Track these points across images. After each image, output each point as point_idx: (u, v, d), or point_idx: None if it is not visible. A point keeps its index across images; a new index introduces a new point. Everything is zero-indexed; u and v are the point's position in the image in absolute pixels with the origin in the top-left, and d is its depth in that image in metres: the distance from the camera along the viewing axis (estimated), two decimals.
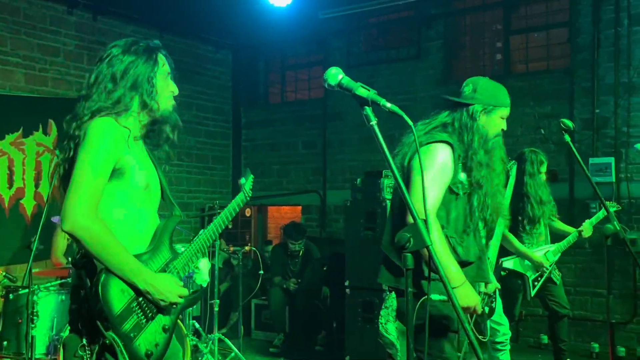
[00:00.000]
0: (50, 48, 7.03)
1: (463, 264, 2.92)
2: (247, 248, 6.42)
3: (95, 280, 2.23)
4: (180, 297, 2.39)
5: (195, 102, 8.69)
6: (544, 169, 4.97)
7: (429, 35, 7.81)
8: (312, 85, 9.14)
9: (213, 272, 5.73)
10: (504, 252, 4.83)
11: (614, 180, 6.40)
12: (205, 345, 5.61)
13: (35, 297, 4.52)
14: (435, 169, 2.87)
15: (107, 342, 2.21)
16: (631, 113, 6.49)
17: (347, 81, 2.06)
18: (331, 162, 8.50)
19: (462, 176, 2.95)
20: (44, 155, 6.75)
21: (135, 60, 2.40)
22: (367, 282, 5.68)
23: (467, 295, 2.87)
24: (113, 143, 2.28)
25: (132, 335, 2.26)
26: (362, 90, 2.03)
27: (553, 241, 5.16)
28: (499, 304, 4.30)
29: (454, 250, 2.90)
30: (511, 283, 4.95)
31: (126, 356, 2.22)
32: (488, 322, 4.24)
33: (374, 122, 1.99)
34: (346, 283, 6.01)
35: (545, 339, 6.64)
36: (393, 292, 3.13)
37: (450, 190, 2.93)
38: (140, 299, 2.30)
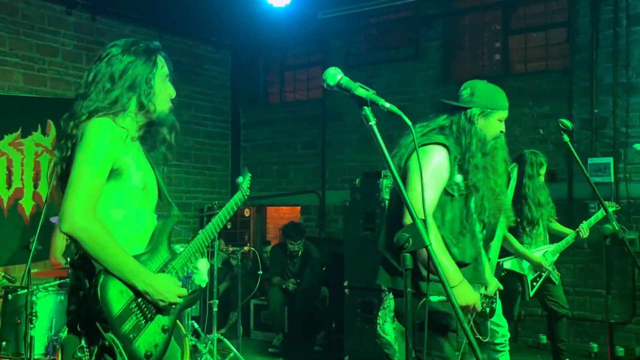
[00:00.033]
0: (48, 48, 7.03)
1: (459, 265, 2.93)
2: (246, 248, 6.42)
3: (94, 281, 2.22)
4: (179, 297, 2.38)
5: (194, 103, 8.69)
6: (543, 170, 4.97)
7: (428, 36, 7.81)
8: (311, 86, 9.14)
9: (212, 272, 5.73)
10: (502, 252, 4.82)
11: (612, 180, 6.40)
12: (204, 345, 5.61)
13: (34, 298, 4.52)
14: (431, 170, 2.88)
15: (107, 343, 2.20)
16: (630, 113, 6.49)
17: (346, 81, 2.06)
18: (330, 163, 8.50)
19: (458, 178, 2.97)
20: (43, 155, 6.75)
21: (135, 60, 2.39)
22: (366, 282, 5.68)
23: (465, 294, 2.88)
24: (111, 143, 2.27)
25: (131, 336, 2.25)
26: (361, 91, 2.03)
27: (552, 242, 5.16)
28: (499, 306, 4.31)
29: (449, 251, 2.91)
30: (510, 283, 4.94)
31: (125, 357, 2.21)
32: (488, 322, 4.25)
33: (373, 122, 2.00)
34: (345, 283, 6.01)
35: (544, 339, 6.64)
36: (391, 293, 3.14)
37: (445, 191, 2.94)
38: (139, 299, 2.30)
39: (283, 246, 7.35)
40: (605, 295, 6.15)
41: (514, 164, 4.26)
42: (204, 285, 5.57)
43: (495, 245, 4.24)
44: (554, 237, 5.20)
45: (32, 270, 4.57)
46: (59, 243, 5.46)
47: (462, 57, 8.01)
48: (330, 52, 8.51)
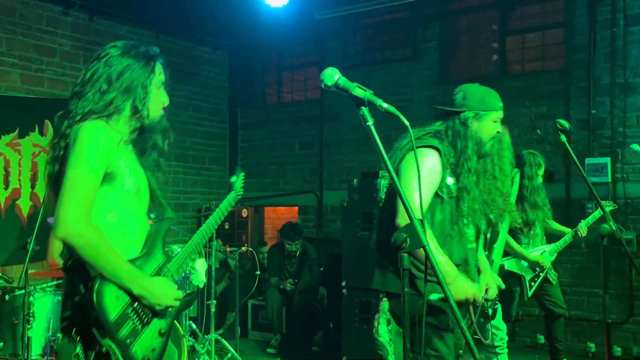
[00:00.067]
0: (46, 48, 7.02)
1: None
2: (243, 249, 6.42)
3: (89, 287, 2.20)
4: (176, 300, 2.37)
5: (192, 103, 8.68)
6: (541, 171, 4.98)
7: (425, 36, 7.82)
8: (308, 86, 9.14)
9: (210, 272, 5.72)
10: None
11: (610, 180, 6.42)
12: (202, 346, 5.61)
13: (31, 298, 4.51)
14: (422, 172, 2.89)
15: (103, 349, 2.18)
16: (627, 113, 6.51)
17: (343, 81, 2.06)
18: (328, 163, 8.50)
19: (450, 181, 3.00)
20: (40, 156, 6.74)
21: (133, 64, 2.38)
22: (364, 282, 5.65)
23: (463, 287, 2.92)
24: (105, 147, 2.25)
25: (128, 341, 2.23)
26: (358, 91, 2.03)
27: (550, 241, 5.17)
28: (499, 309, 4.32)
29: None
30: (508, 284, 4.94)
31: None
32: (493, 323, 4.26)
33: (370, 122, 2.00)
34: (343, 283, 6.01)
35: (541, 339, 6.65)
36: (384, 296, 3.16)
37: (435, 193, 2.98)
38: (136, 304, 2.28)
39: (281, 246, 7.35)
40: (602, 295, 6.13)
41: (516, 169, 4.29)
42: (201, 286, 5.59)
43: (499, 247, 4.26)
44: (552, 237, 5.21)
45: (29, 271, 4.57)
46: (57, 244, 5.44)
47: (459, 57, 8.01)
48: (327, 53, 8.51)
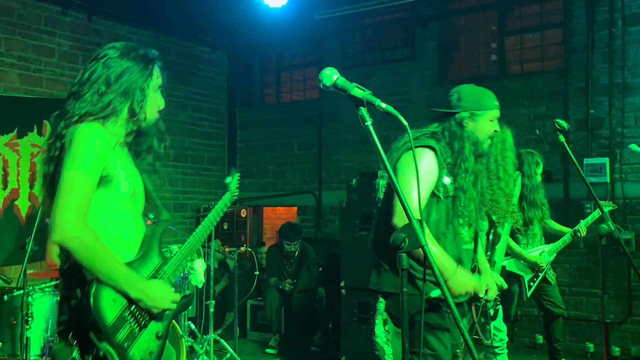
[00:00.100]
0: (44, 49, 7.02)
1: None
2: (242, 249, 6.42)
3: (86, 290, 2.18)
4: (173, 303, 2.35)
5: (191, 103, 8.68)
6: (540, 170, 4.98)
7: (424, 36, 7.82)
8: (307, 86, 9.14)
9: (208, 273, 5.73)
10: None
11: (608, 180, 6.42)
12: (200, 346, 5.61)
13: (30, 299, 4.52)
14: (419, 172, 2.91)
15: (101, 353, 2.17)
16: (625, 114, 6.51)
17: (342, 82, 2.06)
18: (327, 163, 8.50)
19: (447, 180, 3.03)
20: (39, 156, 6.66)
21: (132, 67, 2.37)
22: (362, 282, 5.62)
23: (462, 281, 2.94)
24: (100, 150, 2.24)
25: (125, 345, 2.22)
26: (357, 91, 2.03)
27: (548, 241, 5.17)
28: (500, 309, 4.34)
29: None
30: (507, 284, 4.95)
31: None
32: (492, 324, 4.27)
33: (369, 122, 2.00)
34: (342, 284, 6.01)
35: (540, 339, 6.65)
36: (380, 296, 3.18)
37: (432, 193, 3.00)
38: (133, 307, 2.26)
39: (280, 247, 7.35)
40: (601, 295, 6.18)
41: (518, 171, 4.30)
42: (200, 286, 5.59)
43: (501, 248, 4.27)
44: (551, 237, 5.21)
45: (28, 271, 4.58)
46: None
47: (458, 58, 8.02)
48: (326, 53, 8.51)
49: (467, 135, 3.08)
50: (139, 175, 2.45)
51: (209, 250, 5.82)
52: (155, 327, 2.35)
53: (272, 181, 8.97)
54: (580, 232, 5.13)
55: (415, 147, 2.97)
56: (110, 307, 2.20)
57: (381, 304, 3.17)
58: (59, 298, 2.37)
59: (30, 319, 4.47)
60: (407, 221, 1.96)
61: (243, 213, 8.62)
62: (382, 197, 5.71)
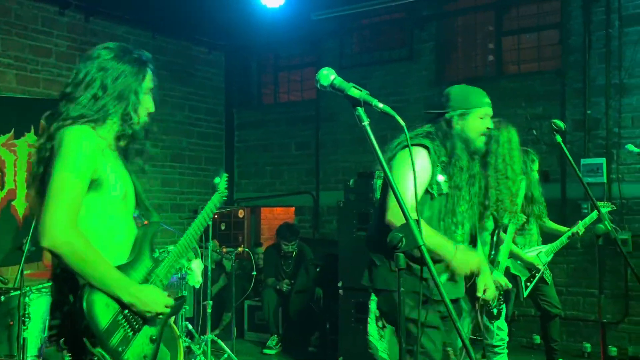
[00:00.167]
0: (42, 49, 7.01)
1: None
2: (240, 249, 6.42)
3: (79, 295, 2.16)
4: (167, 307, 2.33)
5: (188, 104, 8.68)
6: (536, 167, 4.99)
7: (422, 37, 7.83)
8: (305, 86, 9.14)
9: (206, 273, 5.72)
10: None
11: (605, 180, 6.43)
12: (198, 346, 5.61)
13: (27, 299, 4.51)
14: (410, 170, 2.93)
15: (96, 359, 2.15)
16: (622, 114, 6.53)
17: (339, 82, 2.07)
18: (324, 163, 8.50)
19: (440, 178, 3.07)
20: None
21: (126, 70, 2.35)
22: (360, 283, 5.67)
23: (464, 261, 2.99)
24: (90, 152, 2.21)
25: (120, 349, 2.20)
26: (354, 91, 2.03)
27: (545, 241, 5.18)
28: (504, 308, 4.35)
29: None
30: None
31: None
32: (496, 323, 4.28)
33: (366, 122, 2.01)
34: (339, 284, 6.01)
35: (537, 339, 6.66)
36: (372, 293, 3.21)
37: (425, 190, 3.05)
38: (126, 311, 2.24)
39: (277, 247, 7.35)
40: (598, 295, 6.19)
41: (523, 175, 4.33)
42: (197, 287, 5.58)
43: (505, 248, 4.28)
44: (549, 236, 5.22)
45: (25, 272, 4.57)
46: None
47: (455, 58, 8.03)
48: (323, 53, 8.52)
49: (457, 134, 3.14)
50: (129, 177, 2.43)
51: (206, 251, 5.81)
52: (149, 331, 2.33)
53: (270, 181, 8.97)
54: (578, 234, 5.14)
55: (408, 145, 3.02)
56: (103, 311, 2.18)
57: (373, 302, 3.20)
58: (50, 302, 2.35)
59: (27, 319, 4.46)
60: (400, 217, 1.97)
61: (240, 213, 8.62)
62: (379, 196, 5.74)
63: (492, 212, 4.02)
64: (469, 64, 7.94)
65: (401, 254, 1.98)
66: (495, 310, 4.23)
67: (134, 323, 2.28)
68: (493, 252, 4.33)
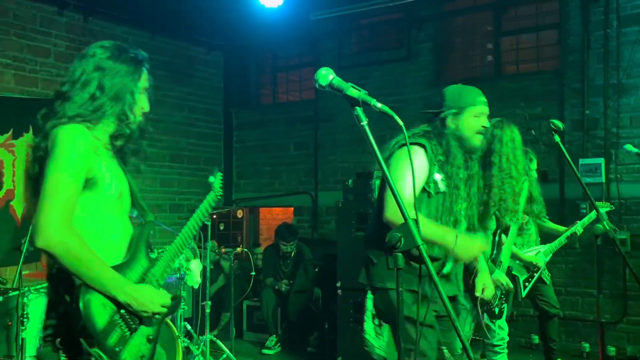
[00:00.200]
0: (40, 49, 7.01)
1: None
2: (239, 249, 6.42)
3: (75, 296, 2.14)
4: (163, 306, 2.32)
5: (187, 104, 8.67)
6: (534, 166, 4.99)
7: (420, 37, 7.83)
8: (303, 87, 9.15)
9: (204, 273, 5.72)
10: None
11: (604, 180, 6.44)
12: (197, 347, 5.60)
13: (25, 299, 4.51)
14: (408, 168, 2.95)
15: (93, 359, 2.14)
16: (620, 114, 6.53)
17: (337, 81, 2.07)
18: (323, 164, 8.50)
19: (438, 177, 3.09)
20: None
21: (123, 70, 2.34)
22: (359, 283, 5.67)
23: (466, 247, 3.00)
24: (84, 152, 2.20)
25: (117, 349, 2.19)
26: (352, 91, 2.04)
27: (544, 241, 5.18)
28: (506, 308, 4.36)
29: None
30: None
31: None
32: (497, 322, 4.28)
33: (364, 122, 2.01)
34: (338, 284, 6.02)
35: (536, 339, 6.66)
36: (369, 291, 3.22)
37: (422, 189, 3.07)
38: (123, 311, 2.23)
39: (276, 247, 7.35)
40: (596, 295, 6.20)
41: (526, 177, 4.33)
42: (196, 287, 5.58)
43: (507, 248, 4.28)
44: (547, 236, 5.22)
45: (23, 272, 4.57)
46: None
47: (454, 58, 8.03)
48: (322, 53, 8.52)
49: (451, 132, 3.17)
50: (124, 176, 2.42)
51: (205, 251, 5.81)
52: (146, 330, 2.32)
53: (269, 182, 8.97)
54: (576, 234, 5.15)
55: (405, 144, 3.03)
56: (100, 312, 2.17)
57: (369, 299, 3.21)
58: (46, 303, 2.34)
59: (25, 319, 4.46)
60: (398, 214, 1.98)
61: (239, 214, 8.61)
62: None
63: (494, 211, 4.03)
64: (467, 64, 7.94)
65: (399, 254, 1.98)
66: (496, 309, 4.23)
67: (131, 323, 2.27)
68: (495, 252, 4.34)
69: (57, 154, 2.17)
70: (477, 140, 3.22)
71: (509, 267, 4.80)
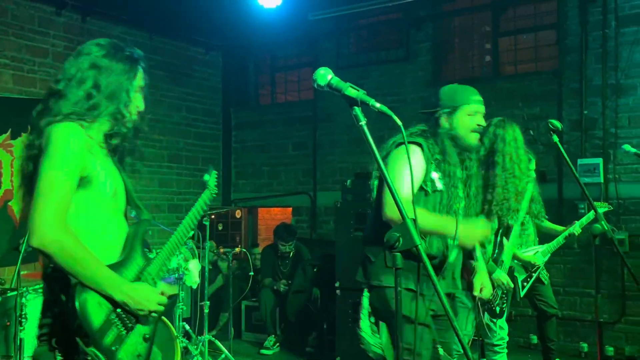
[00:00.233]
0: (38, 49, 7.00)
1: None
2: (237, 250, 6.42)
3: (71, 294, 2.13)
4: (160, 304, 2.31)
5: (185, 104, 8.67)
6: (532, 166, 4.99)
7: (418, 37, 7.84)
8: (302, 87, 9.15)
9: (203, 273, 5.72)
10: None
11: (602, 180, 6.44)
12: (195, 347, 5.60)
13: (23, 300, 4.51)
14: (405, 167, 2.95)
15: (89, 358, 2.13)
16: (619, 114, 6.54)
17: (336, 81, 2.07)
18: (321, 164, 8.51)
19: (435, 175, 3.11)
20: None
21: (117, 68, 2.33)
22: (357, 283, 5.66)
23: (469, 232, 3.03)
24: (79, 150, 2.18)
25: (113, 348, 2.18)
26: (351, 91, 2.04)
27: (542, 241, 5.18)
28: (506, 307, 4.36)
29: None
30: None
31: None
32: (498, 322, 4.29)
33: (363, 122, 2.01)
34: (336, 284, 6.02)
35: (535, 339, 6.66)
36: (365, 289, 3.23)
37: (420, 187, 3.09)
38: (119, 310, 2.22)
39: (274, 247, 7.35)
40: (594, 295, 6.19)
41: (529, 177, 4.34)
42: (195, 287, 5.58)
43: (509, 248, 4.29)
44: (546, 236, 5.22)
45: (22, 272, 4.56)
46: None
47: (452, 58, 8.04)
48: (320, 54, 8.52)
49: (445, 132, 3.19)
50: (119, 174, 2.40)
51: (204, 252, 5.81)
52: (142, 329, 2.31)
53: (267, 182, 8.97)
54: (574, 234, 5.15)
55: (402, 143, 3.07)
56: (96, 311, 2.15)
57: (365, 297, 3.21)
58: (42, 302, 2.32)
59: (24, 320, 4.46)
60: (397, 211, 1.98)
61: (238, 214, 8.61)
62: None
63: (497, 211, 4.04)
64: (465, 64, 7.95)
65: (398, 254, 1.98)
66: (497, 309, 4.24)
67: (127, 322, 2.26)
68: (496, 251, 4.34)
69: (51, 152, 2.16)
70: (472, 139, 3.22)
71: (511, 267, 4.81)
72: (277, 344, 6.94)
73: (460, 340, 1.96)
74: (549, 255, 5.14)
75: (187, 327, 5.78)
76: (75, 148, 2.18)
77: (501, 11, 7.59)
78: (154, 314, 2.33)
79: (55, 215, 2.11)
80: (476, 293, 3.48)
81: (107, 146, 2.36)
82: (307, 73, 8.96)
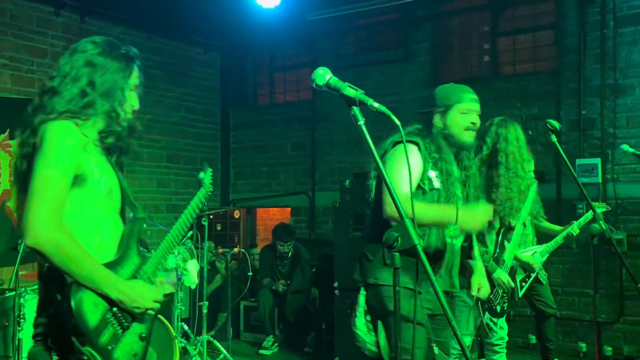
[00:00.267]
0: (37, 49, 7.00)
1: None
2: (236, 250, 6.42)
3: (66, 294, 2.12)
4: (155, 302, 2.29)
5: (184, 104, 8.67)
6: (531, 167, 5.00)
7: (417, 38, 7.84)
8: (300, 87, 9.15)
9: (202, 273, 5.72)
10: None
11: (600, 181, 6.45)
12: (194, 347, 5.60)
13: (22, 300, 4.50)
14: (401, 166, 2.99)
15: (85, 357, 2.12)
16: (617, 114, 6.55)
17: (335, 81, 2.07)
18: (320, 164, 8.51)
19: (432, 174, 3.11)
20: None
21: (113, 66, 2.32)
22: (356, 283, 5.67)
23: (470, 218, 3.03)
24: (74, 148, 2.17)
25: (110, 347, 2.17)
26: (349, 90, 2.04)
27: (540, 241, 5.19)
28: (506, 307, 4.37)
29: None
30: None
31: None
32: (498, 322, 4.29)
33: (361, 122, 2.01)
34: (335, 284, 6.02)
35: (533, 339, 6.67)
36: (362, 288, 3.24)
37: (417, 185, 3.10)
38: (115, 309, 2.21)
39: (273, 247, 7.35)
40: (593, 295, 6.19)
41: (534, 180, 4.35)
42: (193, 287, 5.58)
43: (511, 248, 4.29)
44: (544, 236, 5.23)
45: (20, 273, 4.56)
46: None
47: (451, 59, 8.04)
48: (319, 54, 8.52)
49: (438, 131, 3.21)
50: (114, 172, 2.39)
51: (202, 252, 5.81)
52: (138, 328, 2.30)
53: (266, 182, 8.97)
54: (572, 234, 5.15)
55: (399, 142, 3.08)
56: (92, 310, 2.14)
57: (362, 296, 3.22)
58: (37, 301, 2.32)
59: (22, 320, 4.45)
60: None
61: (236, 214, 8.61)
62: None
63: (500, 210, 4.05)
64: (464, 64, 7.95)
65: (397, 253, 1.99)
66: (498, 308, 4.24)
67: (123, 321, 2.25)
68: (498, 251, 4.34)
69: (45, 150, 2.15)
70: (467, 137, 3.22)
71: (512, 268, 4.81)
72: (276, 344, 6.94)
73: (458, 340, 1.96)
74: (547, 255, 5.14)
75: (186, 327, 5.77)
76: (69, 146, 2.17)
77: (500, 11, 7.59)
78: (150, 312, 2.31)
79: (50, 213, 2.10)
80: (474, 293, 3.48)
81: (101, 144, 2.35)
82: (305, 73, 8.96)
